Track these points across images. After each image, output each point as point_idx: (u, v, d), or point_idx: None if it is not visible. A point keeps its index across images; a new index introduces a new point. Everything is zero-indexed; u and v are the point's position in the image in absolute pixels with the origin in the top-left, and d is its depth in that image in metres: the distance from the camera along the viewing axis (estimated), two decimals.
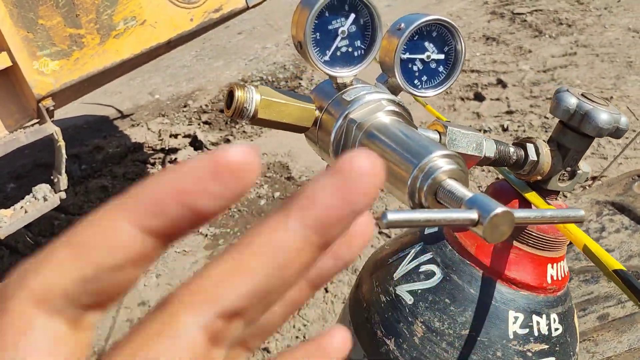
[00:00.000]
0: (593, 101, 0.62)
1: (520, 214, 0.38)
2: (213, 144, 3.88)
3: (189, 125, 4.24)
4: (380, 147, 0.48)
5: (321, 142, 0.54)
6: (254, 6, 2.98)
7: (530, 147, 0.64)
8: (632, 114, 3.37)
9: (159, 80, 5.15)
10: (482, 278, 0.66)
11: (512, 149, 0.65)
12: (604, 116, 0.59)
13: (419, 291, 0.67)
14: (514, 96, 3.80)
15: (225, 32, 5.82)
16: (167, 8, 2.54)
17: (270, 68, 4.89)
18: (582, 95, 0.63)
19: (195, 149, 3.83)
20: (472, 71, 4.22)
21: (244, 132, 3.96)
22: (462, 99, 3.94)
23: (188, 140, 3.96)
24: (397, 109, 0.52)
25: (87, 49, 2.31)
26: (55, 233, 3.24)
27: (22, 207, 2.25)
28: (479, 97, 3.90)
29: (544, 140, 0.65)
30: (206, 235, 3.06)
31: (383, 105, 0.51)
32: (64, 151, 2.35)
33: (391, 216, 0.35)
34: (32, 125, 2.27)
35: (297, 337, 2.36)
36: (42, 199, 2.30)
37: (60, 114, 4.52)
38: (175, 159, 3.73)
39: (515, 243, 0.67)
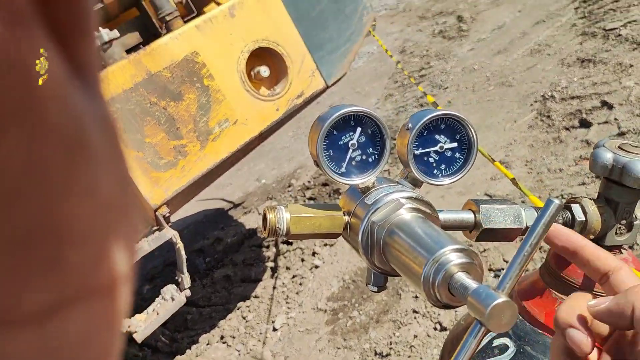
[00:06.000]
0: (630, 152, 0.60)
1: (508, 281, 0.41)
2: None
3: (295, 203, 4.43)
4: (399, 244, 0.51)
5: (353, 243, 0.58)
6: (333, 84, 3.14)
7: (575, 208, 0.63)
8: None
9: (263, 165, 5.48)
10: None
11: None
12: None
13: None
14: (623, 116, 3.54)
15: (317, 107, 6.10)
16: (254, 104, 2.75)
17: None
18: (619, 147, 0.62)
19: None
20: (572, 98, 4.01)
21: None
22: (567, 129, 3.74)
23: None
24: (416, 205, 0.55)
25: (190, 156, 2.55)
26: (189, 327, 3.47)
27: (153, 309, 2.46)
28: (585, 124, 3.68)
29: (590, 199, 0.63)
30: (325, 310, 3.11)
31: (402, 204, 0.55)
32: (183, 252, 2.56)
33: None
34: (153, 232, 2.52)
35: None
36: (170, 299, 2.50)
37: (181, 213, 4.95)
38: (287, 239, 3.89)
39: None
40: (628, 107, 3.55)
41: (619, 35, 4.28)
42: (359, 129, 0.56)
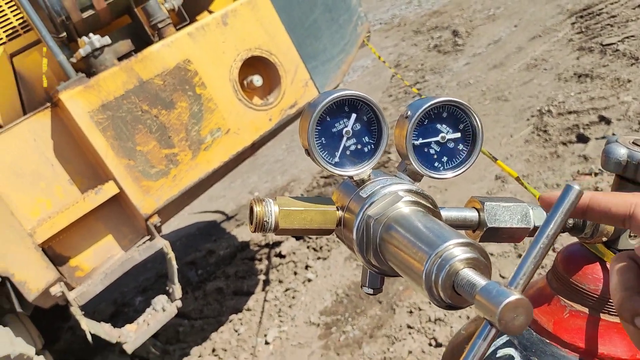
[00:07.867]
0: None
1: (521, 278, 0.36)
2: None
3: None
4: (397, 240, 0.47)
5: (347, 240, 0.53)
6: None
7: None
8: None
9: (256, 178, 5.43)
10: (566, 358, 0.59)
11: None
12: None
13: None
14: (621, 131, 3.51)
15: None
16: (247, 114, 2.70)
17: None
18: (634, 143, 0.57)
19: (297, 239, 3.92)
20: (570, 112, 3.99)
21: None
22: (564, 144, 3.71)
23: None
24: (416, 198, 0.50)
25: (182, 165, 2.50)
26: (181, 339, 3.39)
27: (144, 320, 2.39)
28: (582, 139, 3.65)
29: None
30: (318, 324, 3.05)
31: (400, 197, 0.50)
32: (174, 262, 2.50)
33: None
34: (144, 242, 2.45)
35: None
36: (161, 310, 2.44)
37: (174, 225, 4.88)
38: (280, 252, 3.84)
39: (601, 315, 0.59)
40: (626, 122, 3.53)
41: (617, 50, 4.28)
42: (353, 116, 0.52)
